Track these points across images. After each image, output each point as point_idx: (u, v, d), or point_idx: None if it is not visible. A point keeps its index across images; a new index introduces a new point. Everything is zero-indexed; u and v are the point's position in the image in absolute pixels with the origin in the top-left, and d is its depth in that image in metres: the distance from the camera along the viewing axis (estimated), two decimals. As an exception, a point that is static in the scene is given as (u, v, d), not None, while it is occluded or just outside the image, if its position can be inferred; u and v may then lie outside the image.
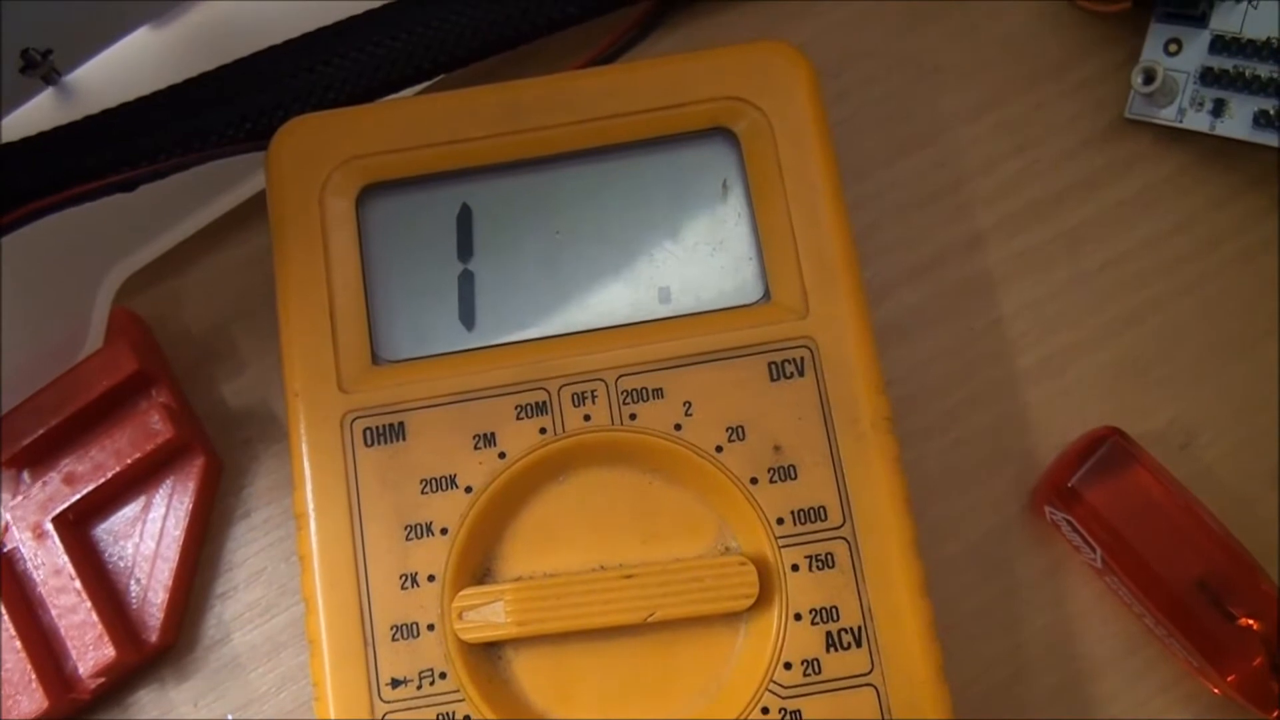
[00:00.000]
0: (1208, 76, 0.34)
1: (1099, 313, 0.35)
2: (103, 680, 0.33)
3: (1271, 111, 0.33)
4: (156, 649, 0.33)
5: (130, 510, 0.34)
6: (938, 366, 0.35)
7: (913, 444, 0.34)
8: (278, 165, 0.31)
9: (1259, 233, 0.35)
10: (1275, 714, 0.31)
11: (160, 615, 0.33)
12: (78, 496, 0.33)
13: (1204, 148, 0.35)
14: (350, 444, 0.30)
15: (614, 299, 0.31)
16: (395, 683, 0.28)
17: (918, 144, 0.36)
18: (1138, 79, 0.35)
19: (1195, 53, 0.35)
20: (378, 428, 0.30)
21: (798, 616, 0.28)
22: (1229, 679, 0.31)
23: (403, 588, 0.29)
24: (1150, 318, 0.35)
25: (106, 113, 0.34)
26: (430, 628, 0.29)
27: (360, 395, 0.30)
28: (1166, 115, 0.35)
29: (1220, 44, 0.34)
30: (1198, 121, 0.35)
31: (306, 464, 0.29)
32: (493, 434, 0.29)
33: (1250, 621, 0.31)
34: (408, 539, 0.29)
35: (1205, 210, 0.35)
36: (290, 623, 0.34)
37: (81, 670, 0.32)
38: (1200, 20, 0.35)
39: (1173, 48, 0.35)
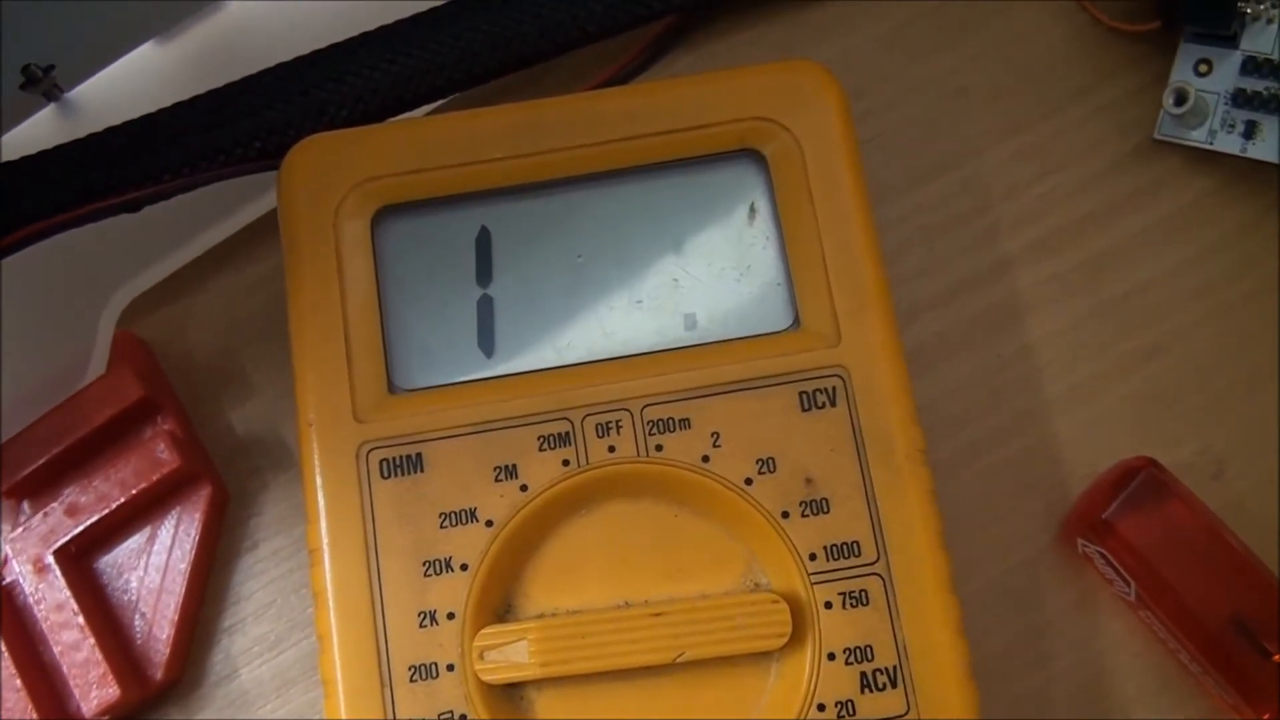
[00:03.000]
0: (1239, 98, 0.34)
1: (1128, 339, 0.34)
2: (107, 719, 0.32)
3: (1305, 134, 0.33)
4: (162, 686, 0.32)
5: (135, 542, 0.33)
6: (964, 395, 0.34)
7: (939, 475, 0.32)
8: (290, 186, 0.30)
9: (1290, 257, 0.35)
10: (1310, 751, 0.30)
11: (165, 651, 0.32)
12: (80, 528, 0.32)
13: (1234, 170, 0.35)
14: (366, 476, 0.29)
15: (638, 326, 0.30)
16: (413, 725, 0.27)
17: (942, 168, 0.35)
18: (1169, 100, 0.34)
19: (1226, 74, 0.34)
20: (395, 459, 0.29)
21: (831, 656, 0.27)
22: (1264, 717, 0.30)
23: (421, 626, 0.28)
24: (1180, 345, 0.34)
25: (110, 131, 0.33)
26: (450, 668, 0.28)
27: (376, 425, 0.29)
28: (1196, 137, 0.34)
29: (1252, 65, 0.34)
30: (1229, 144, 0.34)
31: (321, 497, 0.28)
32: (514, 466, 0.28)
33: (1286, 658, 0.30)
34: (426, 575, 0.28)
35: (1235, 234, 0.35)
36: (300, 658, 0.33)
37: (85, 709, 0.31)
38: (1231, 41, 0.34)
39: (1203, 68, 0.34)
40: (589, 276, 0.30)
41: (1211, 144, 0.34)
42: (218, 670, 0.33)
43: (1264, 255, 0.35)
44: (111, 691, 0.31)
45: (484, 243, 0.31)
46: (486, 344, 0.30)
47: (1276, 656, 0.30)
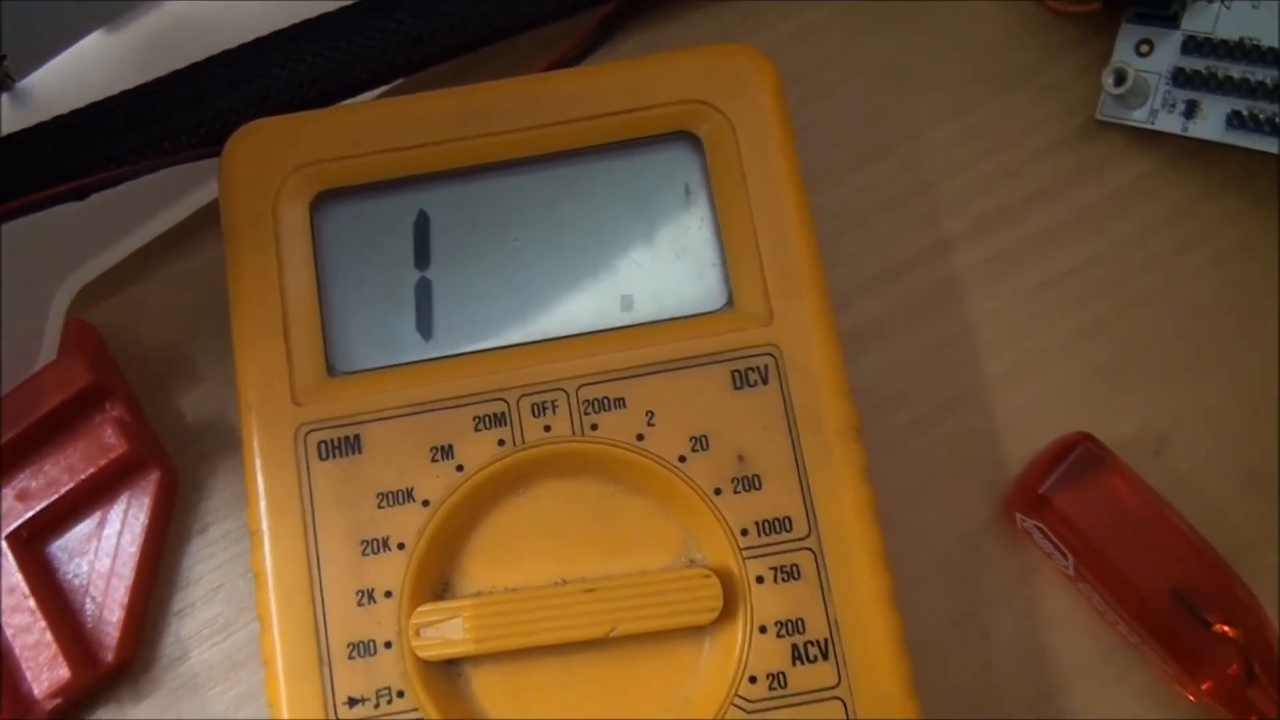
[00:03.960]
0: (1180, 77, 0.34)
1: (1069, 318, 0.34)
2: (58, 701, 0.32)
3: (1244, 113, 0.33)
4: (113, 668, 0.32)
5: (85, 527, 0.33)
6: (906, 373, 0.34)
7: (881, 452, 0.33)
8: (231, 172, 0.31)
9: (1232, 234, 0.35)
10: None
11: (116, 634, 0.32)
12: (31, 513, 0.33)
13: (1176, 149, 0.35)
14: (304, 458, 0.29)
15: (575, 307, 0.30)
16: (352, 702, 0.28)
17: (885, 148, 0.36)
18: (1109, 80, 0.34)
19: (1167, 53, 0.34)
20: (332, 441, 0.29)
21: (763, 629, 0.28)
22: (1204, 686, 0.31)
23: (359, 604, 0.28)
24: (1121, 322, 0.34)
25: (57, 119, 0.33)
26: (388, 645, 0.28)
27: (314, 408, 0.29)
28: (1138, 117, 0.35)
29: (1192, 44, 0.34)
30: (1170, 123, 0.34)
31: (260, 479, 0.29)
32: (450, 446, 0.29)
33: (1225, 628, 0.30)
34: (364, 554, 0.28)
35: (1177, 213, 0.35)
36: (249, 640, 0.33)
37: (36, 691, 0.32)
38: (1172, 21, 0.34)
39: (1144, 48, 0.35)
40: (526, 259, 0.31)
41: (1153, 124, 0.35)
42: (168, 653, 0.33)
43: (1206, 233, 0.35)
44: (62, 673, 0.32)
45: (422, 226, 0.31)
46: (424, 326, 0.30)
47: (1216, 626, 0.30)
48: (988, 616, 0.33)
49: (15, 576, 0.32)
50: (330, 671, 0.28)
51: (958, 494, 0.33)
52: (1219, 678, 0.30)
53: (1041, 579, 0.33)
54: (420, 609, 0.28)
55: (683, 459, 0.29)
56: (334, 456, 0.29)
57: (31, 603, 0.32)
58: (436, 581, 0.29)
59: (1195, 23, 0.34)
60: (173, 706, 0.33)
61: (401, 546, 0.28)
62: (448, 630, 0.28)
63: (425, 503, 0.28)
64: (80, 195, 0.32)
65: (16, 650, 0.32)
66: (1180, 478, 0.33)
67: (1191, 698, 0.31)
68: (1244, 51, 0.33)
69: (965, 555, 0.33)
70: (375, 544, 0.28)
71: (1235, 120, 0.33)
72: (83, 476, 0.33)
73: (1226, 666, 0.30)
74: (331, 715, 0.28)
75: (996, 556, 0.33)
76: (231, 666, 0.33)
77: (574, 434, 0.29)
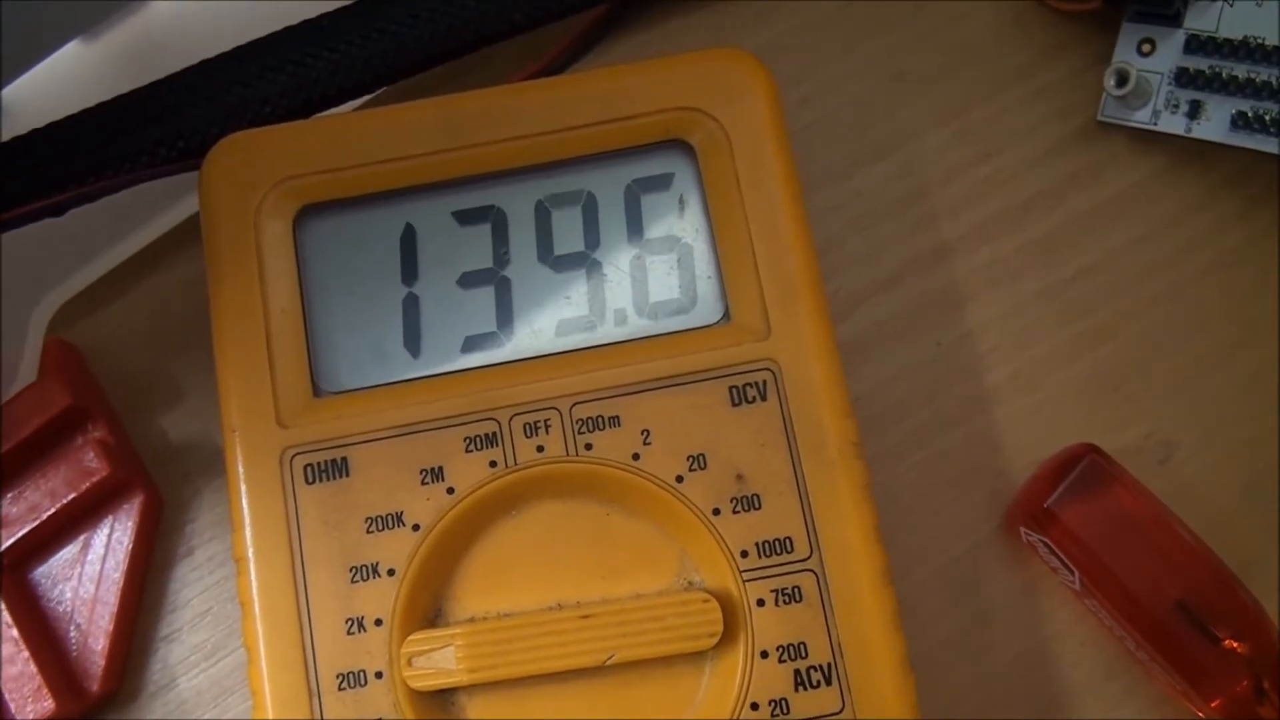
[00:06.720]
0: (1183, 77, 0.33)
1: (1071, 324, 0.34)
2: (44, 732, 0.31)
3: (1249, 113, 0.32)
4: (98, 698, 0.32)
5: (68, 552, 0.32)
6: (904, 383, 0.33)
7: (880, 465, 0.32)
8: (211, 186, 0.30)
9: (1235, 238, 0.34)
10: (1262, 736, 0.30)
11: (101, 662, 0.32)
12: (12, 540, 0.32)
13: (1180, 150, 0.34)
14: (290, 482, 0.28)
15: (567, 322, 0.30)
16: (343, 733, 0.27)
17: (881, 153, 0.35)
18: (1110, 81, 0.33)
19: (1169, 53, 0.34)
20: (319, 464, 0.28)
21: (764, 654, 0.27)
22: (1213, 703, 0.30)
23: (349, 633, 0.27)
24: (1124, 329, 0.34)
25: (32, 133, 0.32)
26: (378, 675, 0.27)
27: (300, 430, 0.28)
28: (1140, 118, 0.34)
29: (1195, 44, 0.33)
30: (1173, 124, 0.34)
31: (245, 504, 0.28)
32: (440, 468, 0.28)
33: (1234, 643, 0.30)
34: (353, 581, 0.28)
35: (1180, 216, 0.34)
36: (237, 666, 0.32)
37: (20, 722, 0.31)
38: (1174, 19, 0.34)
39: (1146, 48, 0.34)
40: (515, 273, 0.30)
41: (1155, 125, 0.34)
42: (155, 680, 0.32)
43: (1210, 236, 0.34)
44: (47, 705, 0.31)
45: (409, 240, 0.30)
46: (412, 344, 0.30)
47: (1225, 642, 0.30)
48: (990, 632, 0.32)
49: (-3, 605, 0.32)
50: (320, 703, 0.27)
51: (959, 506, 0.33)
52: (1228, 694, 0.30)
53: (1046, 592, 0.32)
54: (411, 637, 0.27)
55: (680, 479, 0.28)
56: (321, 480, 0.28)
57: (14, 632, 0.31)
58: (429, 607, 0.28)
59: (1198, 21, 0.33)
60: (161, 735, 0.32)
61: (391, 572, 0.28)
62: (440, 659, 0.27)
63: (415, 527, 0.28)
64: (57, 211, 0.32)
65: (-1, 681, 0.31)
66: (1186, 487, 0.33)
67: (1200, 715, 0.31)
68: (1248, 50, 0.32)
69: (967, 569, 0.32)
70: (364, 570, 0.28)
71: (1240, 121, 0.33)
72: (65, 501, 0.32)
73: (1236, 683, 0.30)
74: (322, 748, 0.27)
75: (999, 570, 0.32)
76: (220, 693, 0.32)
77: (568, 454, 0.28)
